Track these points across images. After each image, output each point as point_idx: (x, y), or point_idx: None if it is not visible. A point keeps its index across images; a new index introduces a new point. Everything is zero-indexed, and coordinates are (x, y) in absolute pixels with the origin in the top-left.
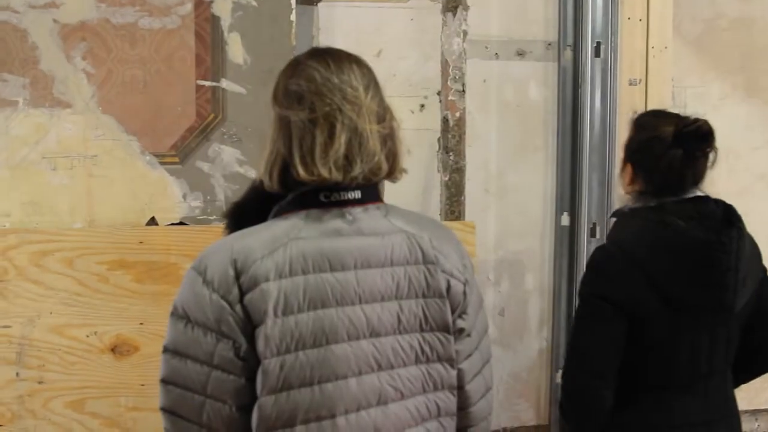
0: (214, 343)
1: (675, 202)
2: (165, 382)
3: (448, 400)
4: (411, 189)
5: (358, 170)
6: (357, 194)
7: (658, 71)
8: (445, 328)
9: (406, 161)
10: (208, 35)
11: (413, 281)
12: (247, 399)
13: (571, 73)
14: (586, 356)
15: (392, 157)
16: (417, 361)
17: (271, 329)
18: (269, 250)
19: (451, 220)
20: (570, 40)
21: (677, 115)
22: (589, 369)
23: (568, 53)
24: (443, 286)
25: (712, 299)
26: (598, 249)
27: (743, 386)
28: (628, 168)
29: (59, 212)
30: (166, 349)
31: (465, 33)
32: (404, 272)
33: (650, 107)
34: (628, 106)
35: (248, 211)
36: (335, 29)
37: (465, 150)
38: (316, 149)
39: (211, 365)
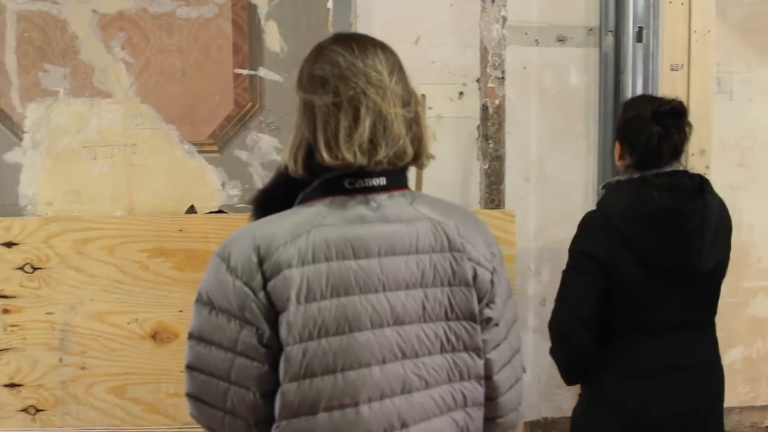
0: (238, 330)
1: (654, 175)
2: (190, 368)
3: (474, 389)
4: (450, 177)
5: (382, 154)
6: (382, 181)
7: (701, 56)
8: (471, 317)
9: (444, 149)
10: (245, 24)
11: (439, 269)
12: (270, 386)
13: (612, 58)
14: (571, 303)
15: (417, 142)
16: (442, 349)
17: (293, 316)
18: (292, 236)
19: (491, 208)
20: (611, 25)
21: (659, 98)
22: (575, 314)
23: (610, 39)
24: (469, 274)
25: (680, 259)
26: (587, 213)
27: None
28: (617, 145)
29: (100, 200)
30: (191, 336)
31: (504, 19)
32: (429, 260)
33: (693, 93)
34: (670, 92)
35: (274, 197)
36: (373, 16)
37: (504, 138)
38: (340, 133)
39: (235, 352)
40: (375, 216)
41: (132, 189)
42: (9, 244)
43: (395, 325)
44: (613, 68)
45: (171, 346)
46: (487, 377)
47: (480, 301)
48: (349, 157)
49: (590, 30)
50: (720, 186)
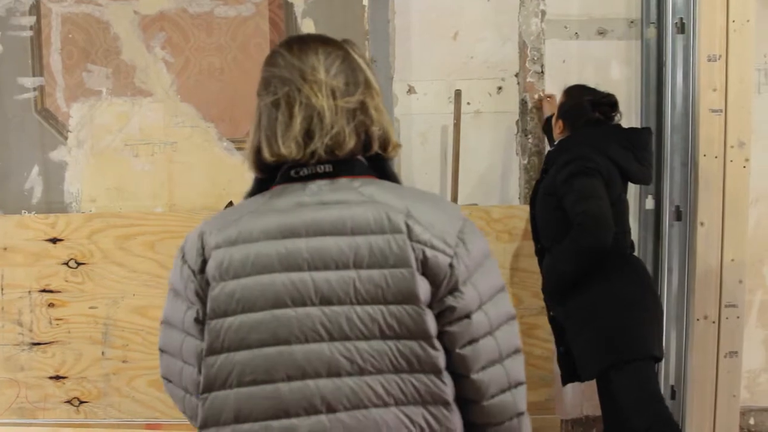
0: (185, 310)
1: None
2: (160, 350)
3: (432, 384)
4: (489, 172)
5: (317, 145)
6: (328, 168)
7: (740, 46)
8: (411, 301)
9: (483, 144)
10: (282, 22)
11: (375, 251)
12: None
13: (654, 51)
14: (603, 203)
15: (364, 130)
16: (382, 335)
17: (215, 291)
18: (227, 222)
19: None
20: (653, 16)
21: (595, 90)
22: (608, 209)
23: (652, 30)
24: (412, 256)
25: (647, 174)
26: (576, 156)
27: None
28: (560, 123)
29: (141, 197)
30: (162, 321)
31: (543, 13)
32: (366, 241)
33: (731, 84)
34: (708, 83)
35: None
36: (411, 12)
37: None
38: (278, 129)
39: (184, 330)
40: (312, 200)
41: (172, 186)
42: (54, 240)
43: (321, 305)
44: (656, 60)
45: None
46: (464, 375)
47: (437, 286)
48: (284, 151)
49: (631, 22)
50: (767, 179)
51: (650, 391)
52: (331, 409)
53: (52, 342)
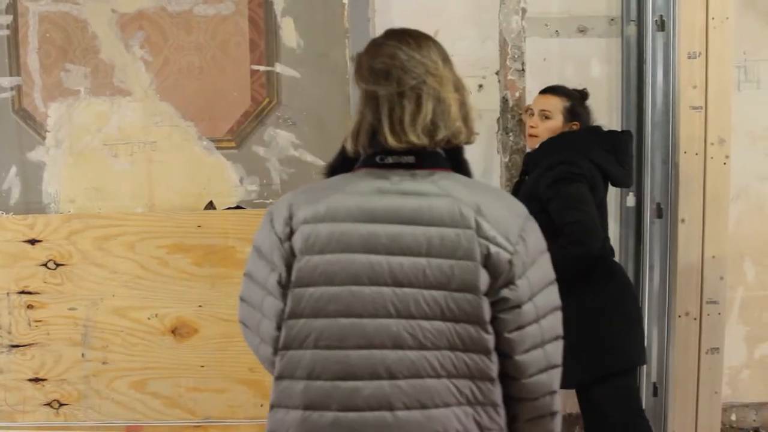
0: (268, 272)
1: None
2: (241, 299)
3: (482, 362)
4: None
5: (442, 135)
6: (410, 159)
7: (719, 43)
8: (472, 290)
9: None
10: (262, 20)
11: (446, 242)
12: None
13: (635, 48)
14: (590, 209)
15: (466, 122)
16: (443, 317)
17: (300, 263)
18: (316, 199)
19: None
20: (634, 14)
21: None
22: (595, 215)
23: (632, 28)
24: (478, 250)
25: (629, 177)
26: (561, 161)
27: None
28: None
29: (121, 197)
30: (245, 274)
31: (524, 11)
32: (439, 233)
33: (711, 81)
34: (688, 80)
35: (337, 170)
36: (392, 10)
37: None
38: (405, 118)
39: (266, 289)
40: (392, 188)
41: (152, 186)
42: (32, 241)
43: (393, 285)
44: (636, 58)
45: (190, 341)
46: (509, 356)
47: (496, 279)
48: (413, 139)
49: (612, 20)
50: (747, 177)
51: (631, 405)
52: (392, 377)
53: (31, 344)
